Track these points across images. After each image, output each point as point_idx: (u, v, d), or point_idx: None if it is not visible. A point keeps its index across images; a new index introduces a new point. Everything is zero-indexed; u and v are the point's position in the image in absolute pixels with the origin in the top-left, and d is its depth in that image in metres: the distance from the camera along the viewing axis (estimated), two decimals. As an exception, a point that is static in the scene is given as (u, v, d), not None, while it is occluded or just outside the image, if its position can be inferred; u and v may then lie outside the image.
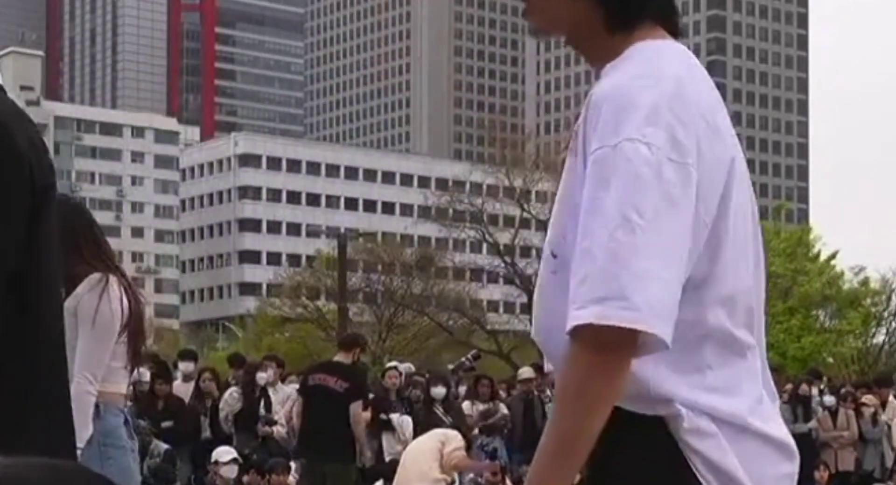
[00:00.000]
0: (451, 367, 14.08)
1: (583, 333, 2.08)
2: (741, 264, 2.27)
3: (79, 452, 5.02)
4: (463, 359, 12.52)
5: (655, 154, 2.11)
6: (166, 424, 13.29)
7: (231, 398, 14.09)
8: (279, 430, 14.10)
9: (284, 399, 15.00)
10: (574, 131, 2.26)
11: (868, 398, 16.43)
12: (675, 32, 2.38)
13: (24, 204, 2.87)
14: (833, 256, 56.40)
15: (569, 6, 2.34)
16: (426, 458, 11.31)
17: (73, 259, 4.95)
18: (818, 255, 56.39)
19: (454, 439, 11.49)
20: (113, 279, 5.09)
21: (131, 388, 11.72)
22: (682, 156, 2.14)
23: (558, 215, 2.28)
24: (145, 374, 12.95)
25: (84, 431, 4.97)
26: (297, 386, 14.96)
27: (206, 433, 13.88)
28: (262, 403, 14.25)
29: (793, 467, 2.32)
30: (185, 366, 14.74)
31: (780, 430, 2.33)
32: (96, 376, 5.06)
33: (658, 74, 2.20)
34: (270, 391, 14.65)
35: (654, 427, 2.21)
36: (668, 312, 2.09)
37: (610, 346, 2.08)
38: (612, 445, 2.20)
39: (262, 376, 14.64)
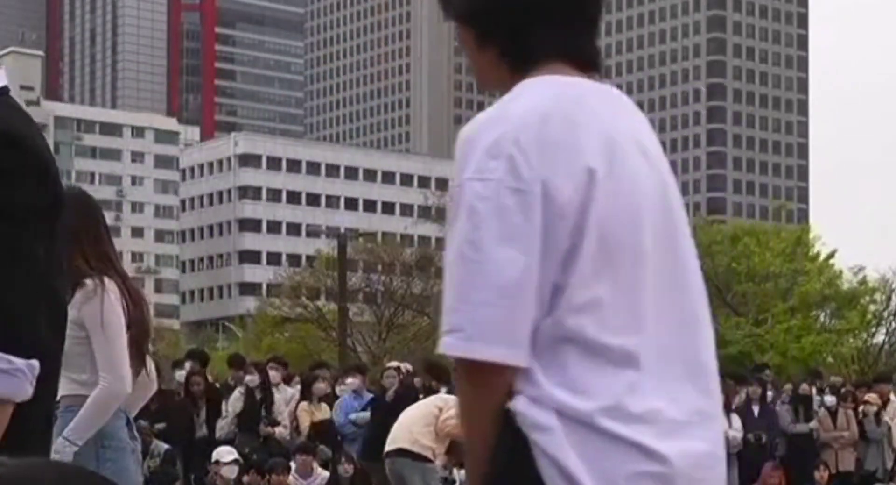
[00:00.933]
0: None
1: (455, 360, 2.32)
2: (611, 281, 2.36)
3: (75, 451, 5.03)
4: None
5: (494, 186, 2.28)
6: (159, 425, 13.30)
7: (237, 400, 14.09)
8: (281, 430, 14.11)
9: (288, 400, 15.01)
10: None
11: (870, 397, 16.41)
12: (588, 65, 2.52)
13: (52, 213, 3.01)
14: (831, 255, 56.45)
15: (482, 56, 2.56)
16: (419, 422, 11.12)
17: (72, 256, 4.95)
18: (817, 255, 56.43)
19: (454, 405, 11.43)
20: (109, 283, 5.07)
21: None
22: (524, 184, 2.28)
23: None
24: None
25: (89, 431, 4.99)
26: (299, 387, 15.02)
27: (202, 431, 13.85)
28: (264, 403, 14.25)
29: (659, 467, 2.35)
30: (192, 366, 14.74)
31: (649, 438, 2.36)
32: (124, 376, 5.05)
33: (513, 107, 2.38)
34: (275, 392, 14.68)
35: (507, 419, 2.35)
36: (507, 337, 2.27)
37: (472, 371, 2.31)
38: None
39: (274, 376, 14.67)
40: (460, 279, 2.29)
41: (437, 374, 14.05)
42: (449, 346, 2.30)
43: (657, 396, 2.39)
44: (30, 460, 1.42)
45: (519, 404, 2.34)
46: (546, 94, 2.40)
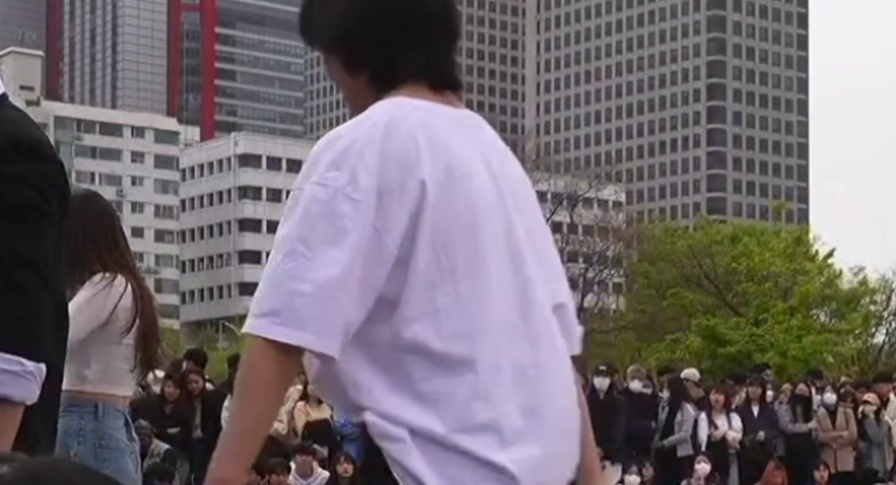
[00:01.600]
0: None
1: (252, 340, 2.46)
2: (450, 289, 2.51)
3: (73, 452, 5.03)
4: None
5: (332, 193, 2.46)
6: (173, 430, 13.26)
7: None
8: (277, 427, 14.09)
9: (285, 398, 15.02)
10: None
11: (870, 396, 16.39)
12: (447, 85, 2.71)
13: (60, 217, 3.10)
14: (830, 254, 56.42)
15: (354, 81, 2.70)
16: None
17: (88, 257, 5.00)
18: (816, 254, 56.42)
19: None
20: (120, 280, 5.09)
21: (140, 389, 11.72)
22: (361, 194, 2.46)
23: None
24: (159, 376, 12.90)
25: None
26: (299, 386, 14.98)
27: (197, 433, 13.81)
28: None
29: (502, 477, 2.50)
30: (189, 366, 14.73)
31: (492, 450, 2.50)
32: (83, 374, 5.07)
33: (361, 124, 2.54)
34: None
35: (365, 431, 2.54)
36: (318, 326, 2.43)
37: (275, 353, 2.44)
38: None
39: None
40: (285, 271, 2.46)
41: None
42: (260, 327, 2.44)
43: (498, 404, 2.52)
44: (45, 457, 1.46)
45: (370, 417, 2.51)
46: (393, 112, 2.56)
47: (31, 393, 3.02)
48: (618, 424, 14.81)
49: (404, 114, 2.57)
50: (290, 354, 2.45)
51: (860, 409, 16.32)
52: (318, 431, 14.52)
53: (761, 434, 15.83)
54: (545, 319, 2.66)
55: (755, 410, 16.20)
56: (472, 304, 2.54)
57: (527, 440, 2.55)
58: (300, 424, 14.71)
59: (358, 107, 2.68)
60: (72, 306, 5.03)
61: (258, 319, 2.45)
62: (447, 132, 2.62)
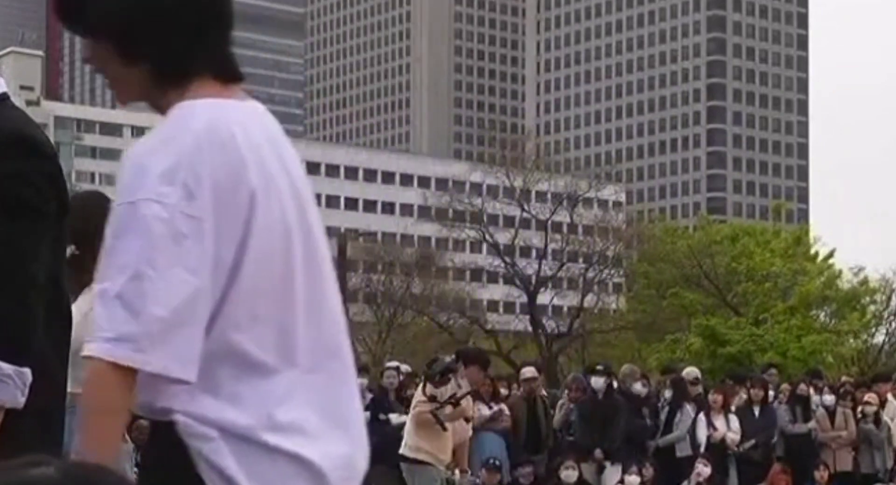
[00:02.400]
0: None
1: (94, 363, 2.45)
2: (268, 297, 2.56)
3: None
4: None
5: (169, 211, 2.43)
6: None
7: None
8: None
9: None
10: None
11: (870, 397, 16.37)
12: (234, 78, 2.69)
13: (59, 217, 3.06)
14: (831, 254, 56.41)
15: (128, 71, 2.61)
16: (410, 425, 11.35)
17: (88, 260, 4.96)
18: (816, 254, 56.40)
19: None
20: None
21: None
22: (196, 210, 2.45)
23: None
24: None
25: None
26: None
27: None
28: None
29: (308, 471, 2.60)
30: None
31: (299, 446, 2.59)
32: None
33: (182, 135, 2.49)
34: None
35: (170, 430, 2.56)
36: (178, 353, 2.45)
37: (120, 377, 2.45)
38: (146, 445, 2.64)
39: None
40: (135, 294, 2.42)
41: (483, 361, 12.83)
42: (114, 352, 2.42)
43: (306, 405, 2.61)
44: (82, 462, 1.45)
45: (180, 417, 2.54)
46: (213, 116, 2.54)
47: (9, 396, 2.96)
48: (617, 424, 14.80)
49: (223, 117, 2.57)
50: (134, 374, 2.46)
51: (860, 409, 16.30)
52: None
53: (752, 441, 15.80)
54: (339, 328, 2.72)
55: (756, 410, 16.19)
56: (286, 312, 2.59)
57: (331, 439, 2.65)
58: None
59: (130, 98, 2.65)
60: (75, 313, 5.03)
61: (111, 344, 2.42)
62: (254, 133, 2.61)
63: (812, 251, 56.96)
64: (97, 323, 2.45)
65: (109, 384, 2.45)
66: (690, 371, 17.61)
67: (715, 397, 16.04)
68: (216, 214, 2.49)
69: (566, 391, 15.26)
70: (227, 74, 2.67)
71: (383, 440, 12.84)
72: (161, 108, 2.61)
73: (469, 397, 10.92)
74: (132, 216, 2.45)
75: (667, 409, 15.55)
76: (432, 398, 11.32)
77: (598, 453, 14.54)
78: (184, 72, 2.61)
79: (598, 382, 14.95)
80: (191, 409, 2.54)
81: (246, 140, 2.56)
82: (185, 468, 2.55)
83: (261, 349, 2.57)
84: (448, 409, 11.06)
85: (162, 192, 2.44)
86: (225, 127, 2.55)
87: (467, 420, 11.82)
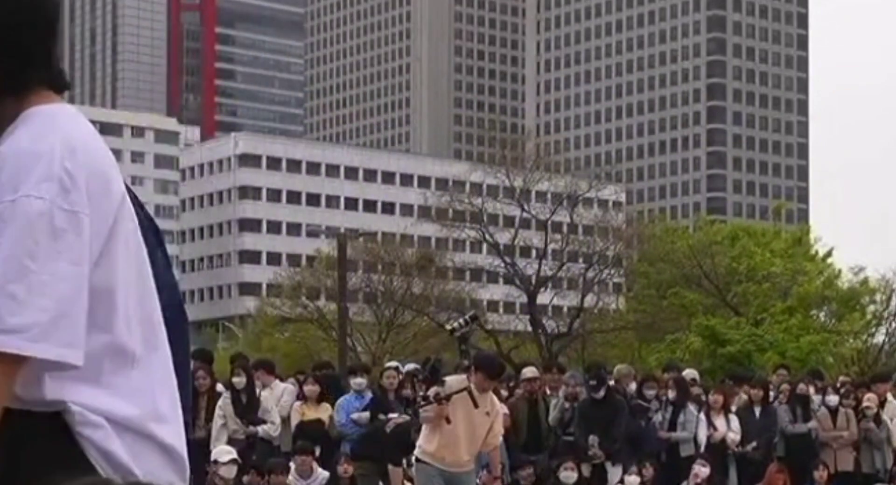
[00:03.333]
0: (448, 328, 13.57)
1: None
2: (132, 289, 2.70)
3: None
4: (456, 323, 12.10)
5: (48, 206, 2.52)
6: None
7: (224, 402, 14.03)
8: (266, 428, 14.05)
9: (280, 395, 14.99)
10: None
11: (869, 397, 16.37)
12: (62, 88, 2.78)
13: None
14: (829, 253, 56.44)
15: None
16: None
17: None
18: (816, 255, 56.44)
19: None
20: None
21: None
22: (74, 205, 2.55)
23: None
24: None
25: None
26: (293, 387, 14.94)
27: (201, 433, 13.78)
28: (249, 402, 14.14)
29: (176, 479, 2.76)
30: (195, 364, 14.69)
31: (173, 438, 2.76)
32: None
33: (53, 136, 2.59)
34: (265, 392, 14.64)
35: (54, 421, 2.62)
36: (67, 340, 2.53)
37: (8, 366, 2.51)
38: (17, 441, 2.62)
39: (261, 376, 14.67)
40: (22, 287, 2.50)
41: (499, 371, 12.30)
42: (6, 343, 2.48)
43: (171, 396, 2.79)
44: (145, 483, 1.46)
45: (72, 407, 2.61)
46: (72, 125, 2.67)
47: None
48: (617, 424, 14.79)
49: (77, 124, 2.70)
50: (19, 364, 2.53)
51: (861, 407, 16.29)
52: (312, 430, 14.51)
53: (753, 443, 15.81)
54: (161, 321, 2.84)
55: (757, 411, 16.19)
56: (147, 306, 2.75)
57: (178, 420, 2.81)
58: (294, 423, 14.69)
59: None
60: None
61: (6, 336, 2.49)
62: (98, 137, 2.77)
63: (812, 251, 57.00)
64: None
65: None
66: (688, 373, 17.63)
67: (715, 398, 16.04)
68: (91, 211, 2.59)
69: (563, 387, 15.26)
70: (61, 84, 2.78)
71: (381, 440, 12.87)
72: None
73: (466, 397, 10.86)
74: (13, 213, 2.52)
75: (670, 409, 15.56)
76: (425, 398, 11.38)
77: (596, 450, 14.52)
78: (28, 83, 2.69)
79: (596, 389, 14.93)
80: (79, 399, 2.62)
81: (101, 146, 2.75)
82: (77, 457, 2.62)
83: (130, 340, 2.68)
84: (429, 407, 11.10)
85: (42, 187, 2.53)
86: (87, 129, 2.71)
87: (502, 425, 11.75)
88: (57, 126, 2.64)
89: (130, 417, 2.68)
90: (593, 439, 14.49)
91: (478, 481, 13.27)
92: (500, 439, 11.82)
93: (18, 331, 2.49)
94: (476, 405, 10.90)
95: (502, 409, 12.33)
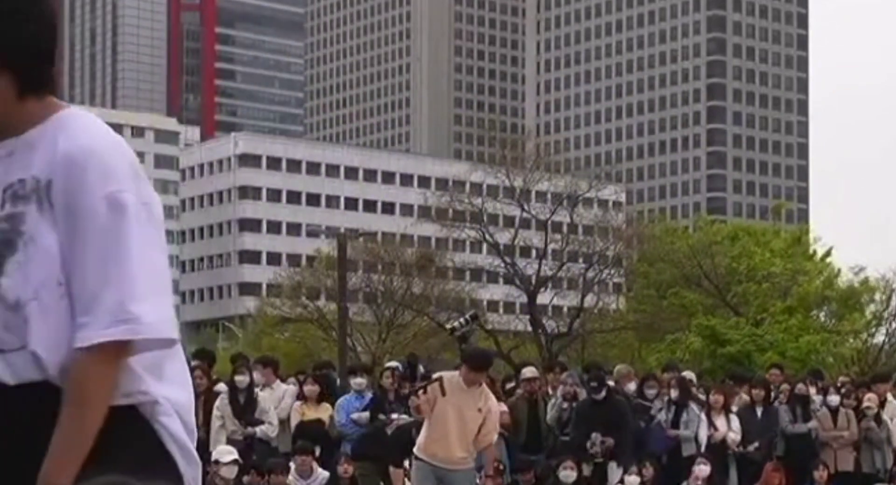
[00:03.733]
0: (448, 327, 13.61)
1: (101, 348, 2.58)
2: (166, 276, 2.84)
3: None
4: (456, 323, 12.13)
5: (135, 199, 2.66)
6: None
7: (222, 402, 14.01)
8: (265, 428, 14.03)
9: (281, 396, 14.96)
10: (22, 180, 2.66)
11: (870, 397, 16.36)
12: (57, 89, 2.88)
13: None
14: (828, 252, 56.45)
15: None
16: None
17: None
18: (815, 254, 56.46)
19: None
20: None
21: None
22: (148, 197, 2.72)
23: (51, 251, 2.65)
24: None
25: None
26: (294, 387, 14.93)
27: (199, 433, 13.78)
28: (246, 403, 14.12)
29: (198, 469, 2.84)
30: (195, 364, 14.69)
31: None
32: None
33: (110, 134, 2.73)
34: (266, 392, 14.62)
35: (130, 412, 2.70)
36: (169, 321, 2.67)
37: (117, 355, 2.61)
38: (107, 434, 2.67)
39: (259, 377, 14.62)
40: (142, 277, 2.61)
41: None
42: (141, 330, 2.59)
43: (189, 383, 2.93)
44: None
45: (153, 397, 2.73)
46: (106, 127, 2.77)
47: None
48: (625, 425, 14.80)
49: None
50: (131, 353, 2.67)
51: (861, 407, 16.28)
52: (312, 430, 14.49)
53: (756, 444, 15.81)
54: None
55: (758, 411, 16.18)
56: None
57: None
58: (293, 423, 14.66)
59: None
60: None
61: (138, 325, 2.61)
62: None
63: (811, 251, 57.02)
64: (92, 311, 2.58)
65: (116, 371, 2.62)
66: (686, 374, 17.62)
67: (716, 398, 16.03)
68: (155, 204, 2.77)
69: (561, 387, 15.26)
70: (57, 91, 2.85)
71: (381, 440, 12.87)
72: (16, 117, 2.72)
73: (437, 388, 10.93)
74: (122, 208, 2.63)
75: (673, 408, 15.56)
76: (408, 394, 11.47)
77: (598, 448, 14.51)
78: (47, 89, 2.78)
79: (597, 390, 14.93)
80: (153, 389, 2.73)
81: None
82: (158, 444, 2.73)
83: (176, 329, 2.76)
84: (412, 398, 11.20)
85: (127, 183, 2.66)
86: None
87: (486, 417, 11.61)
88: (102, 125, 2.74)
89: (185, 404, 2.79)
90: (595, 437, 14.48)
91: (478, 481, 13.26)
92: (495, 437, 11.66)
93: (137, 319, 2.59)
94: (444, 393, 10.89)
95: (499, 407, 12.23)
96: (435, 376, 11.58)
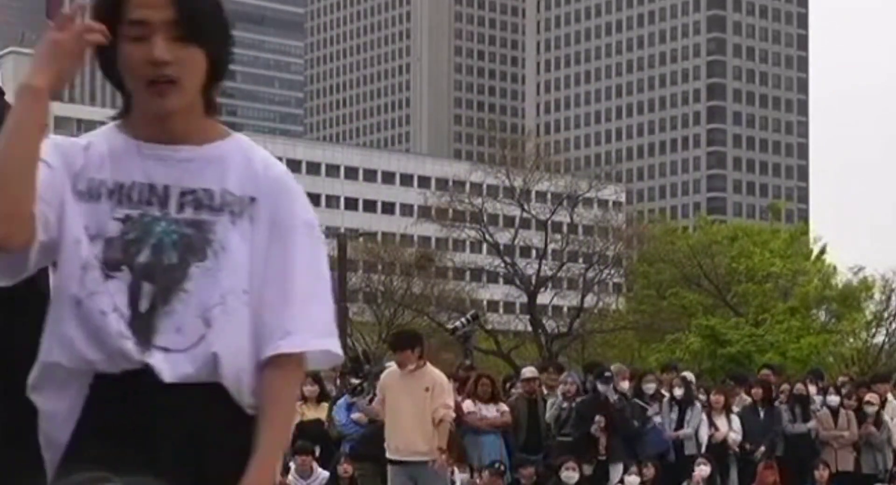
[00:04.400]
0: (450, 327, 13.67)
1: (301, 356, 2.72)
2: None
3: None
4: (457, 323, 12.21)
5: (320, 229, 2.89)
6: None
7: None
8: None
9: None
10: (208, 190, 2.73)
11: (872, 396, 16.35)
12: None
13: None
14: (823, 250, 56.44)
15: (200, 73, 2.82)
16: None
17: None
18: (811, 252, 56.46)
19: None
20: None
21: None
22: None
23: (242, 261, 2.73)
24: None
25: None
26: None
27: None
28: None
29: None
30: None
31: None
32: None
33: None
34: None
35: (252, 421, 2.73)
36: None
37: (302, 365, 2.75)
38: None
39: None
40: (325, 294, 2.77)
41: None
42: (335, 345, 2.75)
43: None
44: (144, 479, 1.50)
45: None
46: None
47: None
48: (617, 425, 14.81)
49: None
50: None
51: (862, 407, 16.28)
52: (310, 430, 14.49)
53: (762, 448, 15.82)
54: None
55: (760, 411, 16.18)
56: None
57: None
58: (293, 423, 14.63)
59: (186, 117, 2.78)
60: None
61: (333, 338, 2.77)
62: None
63: (811, 250, 57.02)
64: (301, 321, 2.70)
65: (300, 375, 2.82)
66: (685, 375, 17.63)
67: (716, 398, 16.04)
68: None
69: (560, 386, 15.26)
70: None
71: (378, 440, 12.85)
72: (195, 129, 2.79)
73: (396, 378, 11.17)
74: (316, 231, 2.85)
75: (677, 408, 15.58)
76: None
77: (598, 432, 14.55)
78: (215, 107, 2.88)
79: (604, 389, 14.93)
80: None
81: None
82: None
83: None
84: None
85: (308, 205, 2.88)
86: None
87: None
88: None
89: None
90: (599, 420, 14.52)
91: (478, 481, 13.25)
92: (445, 413, 11.41)
93: (336, 334, 2.76)
94: (387, 387, 11.10)
95: (448, 384, 12.07)
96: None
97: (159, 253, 2.68)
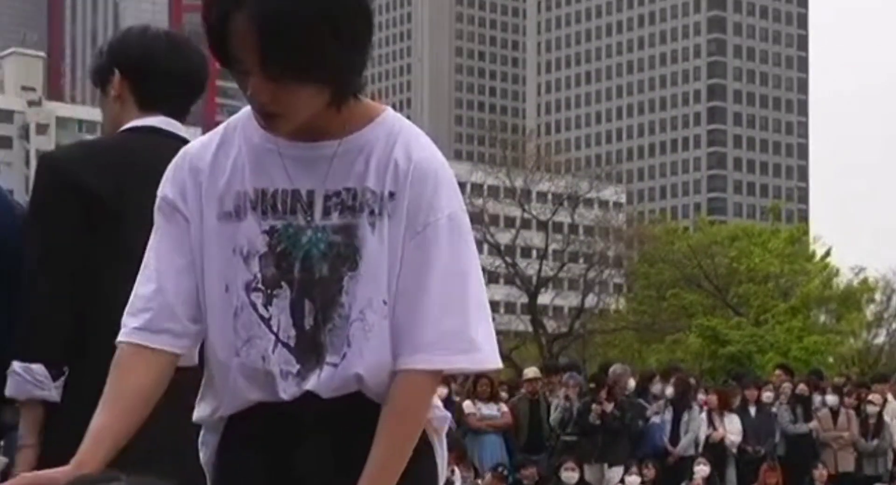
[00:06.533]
0: None
1: (435, 373, 2.50)
2: None
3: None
4: None
5: (468, 222, 2.56)
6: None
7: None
8: None
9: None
10: (350, 189, 2.46)
11: (873, 397, 16.36)
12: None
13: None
14: (828, 253, 56.44)
15: (310, 102, 2.37)
16: None
17: None
18: (813, 254, 56.46)
19: None
20: None
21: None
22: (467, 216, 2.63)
23: (381, 268, 2.47)
24: None
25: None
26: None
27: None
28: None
29: None
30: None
31: None
32: None
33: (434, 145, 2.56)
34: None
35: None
36: (496, 350, 2.65)
37: (440, 380, 2.56)
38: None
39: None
40: (475, 301, 2.56)
41: None
42: (482, 360, 2.56)
43: None
44: (150, 479, 1.48)
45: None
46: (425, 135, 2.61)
47: (22, 391, 3.06)
48: (626, 425, 14.83)
49: None
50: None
51: (862, 408, 16.29)
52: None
53: (762, 450, 15.83)
54: None
55: (760, 411, 16.19)
56: None
57: None
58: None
59: (303, 121, 2.46)
60: None
61: (467, 354, 2.53)
62: None
63: (811, 250, 57.02)
64: (433, 334, 2.48)
65: (431, 392, 2.57)
66: (682, 376, 17.65)
67: (716, 398, 16.06)
68: None
69: (563, 389, 15.28)
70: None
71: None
72: (327, 126, 2.47)
73: None
74: (461, 225, 2.54)
75: (672, 409, 15.59)
76: None
77: (596, 421, 14.58)
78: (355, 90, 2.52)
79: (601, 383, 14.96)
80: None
81: None
82: (433, 461, 2.67)
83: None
84: None
85: (461, 201, 2.57)
86: None
87: None
88: (423, 133, 2.62)
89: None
90: (596, 408, 14.55)
91: (479, 482, 13.27)
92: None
93: (478, 348, 2.55)
94: None
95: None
96: None
97: (310, 266, 2.46)
